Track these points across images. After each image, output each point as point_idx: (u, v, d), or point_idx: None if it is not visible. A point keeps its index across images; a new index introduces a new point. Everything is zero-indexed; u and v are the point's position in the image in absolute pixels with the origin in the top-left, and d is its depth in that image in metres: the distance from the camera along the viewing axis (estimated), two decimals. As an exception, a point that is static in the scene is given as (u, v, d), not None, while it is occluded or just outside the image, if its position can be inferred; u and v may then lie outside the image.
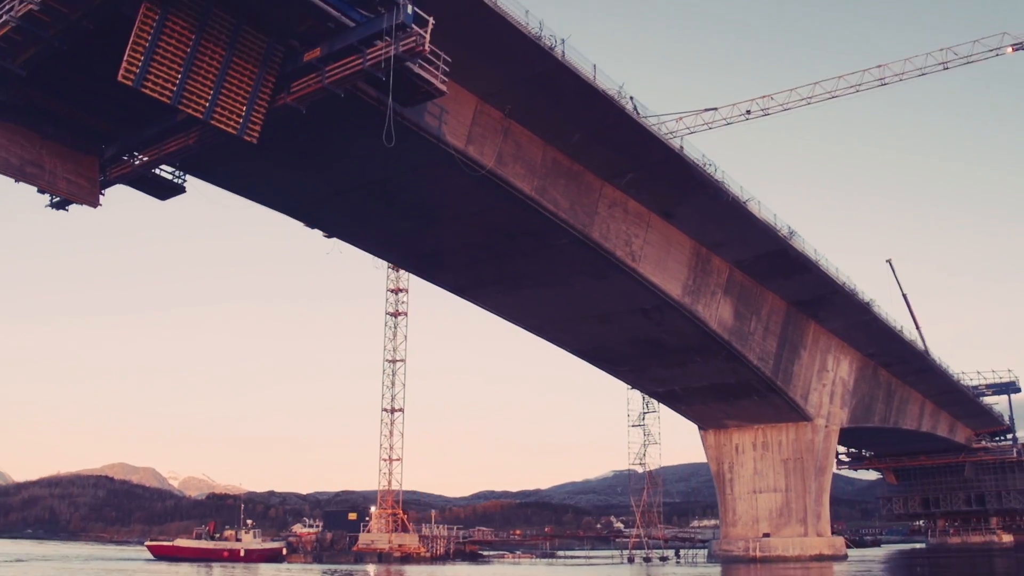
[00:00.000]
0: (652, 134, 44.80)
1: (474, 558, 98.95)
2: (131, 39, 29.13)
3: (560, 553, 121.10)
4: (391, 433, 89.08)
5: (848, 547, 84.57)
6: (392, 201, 45.21)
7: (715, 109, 63.12)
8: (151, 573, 58.35)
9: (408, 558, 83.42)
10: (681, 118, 61.14)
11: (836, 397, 75.74)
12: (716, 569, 68.88)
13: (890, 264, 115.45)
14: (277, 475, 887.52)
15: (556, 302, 57.44)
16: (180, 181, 42.19)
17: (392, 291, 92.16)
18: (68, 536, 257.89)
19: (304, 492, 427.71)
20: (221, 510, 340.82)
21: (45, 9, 28.87)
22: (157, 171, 40.56)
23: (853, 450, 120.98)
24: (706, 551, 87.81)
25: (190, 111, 30.92)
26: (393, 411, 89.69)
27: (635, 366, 68.38)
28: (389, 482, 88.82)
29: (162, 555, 77.44)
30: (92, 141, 37.95)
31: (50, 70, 32.91)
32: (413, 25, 29.97)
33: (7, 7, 29.94)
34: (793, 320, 67.92)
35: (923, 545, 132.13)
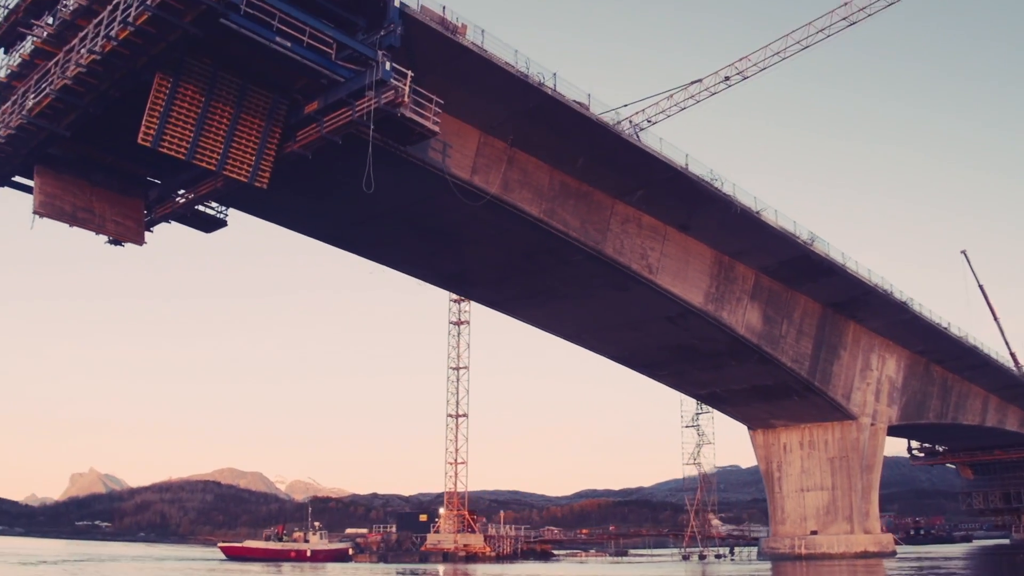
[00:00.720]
0: (653, 155, 47.34)
1: (546, 557, 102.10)
2: (147, 105, 33.41)
3: (631, 551, 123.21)
4: (456, 437, 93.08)
5: (897, 543, 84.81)
6: (414, 226, 48.92)
7: (699, 80, 65.07)
8: (223, 572, 63.17)
9: (473, 557, 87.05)
10: (672, 94, 63.58)
11: (883, 395, 76.46)
12: (763, 566, 70.81)
13: (965, 255, 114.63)
14: (381, 477, 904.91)
15: (584, 313, 60.41)
16: (222, 215, 46.55)
17: (455, 301, 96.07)
18: (178, 539, 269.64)
19: (407, 494, 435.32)
20: (324, 512, 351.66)
21: (78, 82, 33.42)
22: (201, 207, 44.98)
23: (927, 445, 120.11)
24: (756, 549, 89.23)
25: (203, 165, 35.07)
26: (458, 416, 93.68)
27: (673, 370, 70.67)
28: (455, 484, 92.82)
29: (234, 555, 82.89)
30: (137, 185, 42.42)
31: (92, 128, 37.39)
32: (392, 79, 33.53)
33: (49, 81, 34.73)
34: (829, 321, 69.18)
35: (1007, 541, 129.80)
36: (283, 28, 32.44)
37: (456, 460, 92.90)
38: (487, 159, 44.20)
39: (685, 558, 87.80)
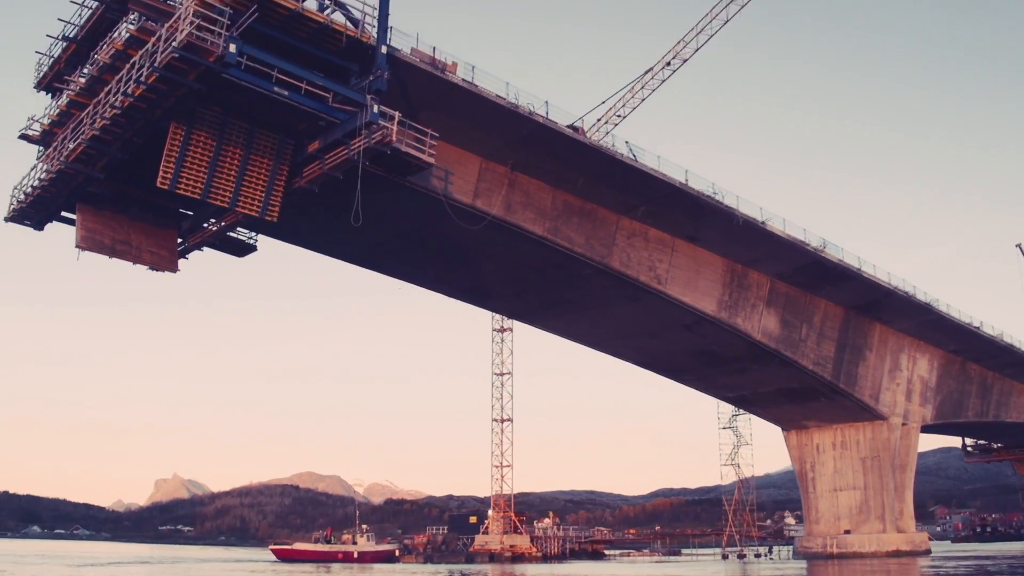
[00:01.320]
0: (649, 173, 49.65)
1: (597, 556, 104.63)
2: (164, 152, 37.09)
3: (684, 551, 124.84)
4: (501, 441, 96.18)
5: (931, 541, 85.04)
6: (428, 247, 52.02)
7: (650, 70, 67.23)
8: (271, 573, 67.08)
9: (520, 558, 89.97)
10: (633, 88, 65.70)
11: (915, 395, 77.14)
12: (799, 565, 72.28)
13: (1020, 248, 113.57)
14: (457, 479, 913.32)
15: (602, 322, 62.81)
16: (252, 241, 50.16)
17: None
18: (257, 543, 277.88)
19: (482, 495, 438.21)
20: (398, 514, 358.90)
21: (105, 132, 37.31)
22: (231, 234, 48.60)
23: (982, 442, 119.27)
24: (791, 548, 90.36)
25: (217, 203, 38.70)
26: (503, 420, 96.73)
27: (699, 375, 72.57)
28: (501, 487, 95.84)
29: (284, 557, 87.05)
30: (170, 218, 46.11)
31: (125, 169, 41.21)
32: (380, 120, 36.65)
33: (81, 131, 38.73)
34: (853, 324, 70.31)
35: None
36: (281, 78, 35.88)
37: (502, 463, 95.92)
38: (489, 183, 47.05)
39: (724, 557, 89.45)
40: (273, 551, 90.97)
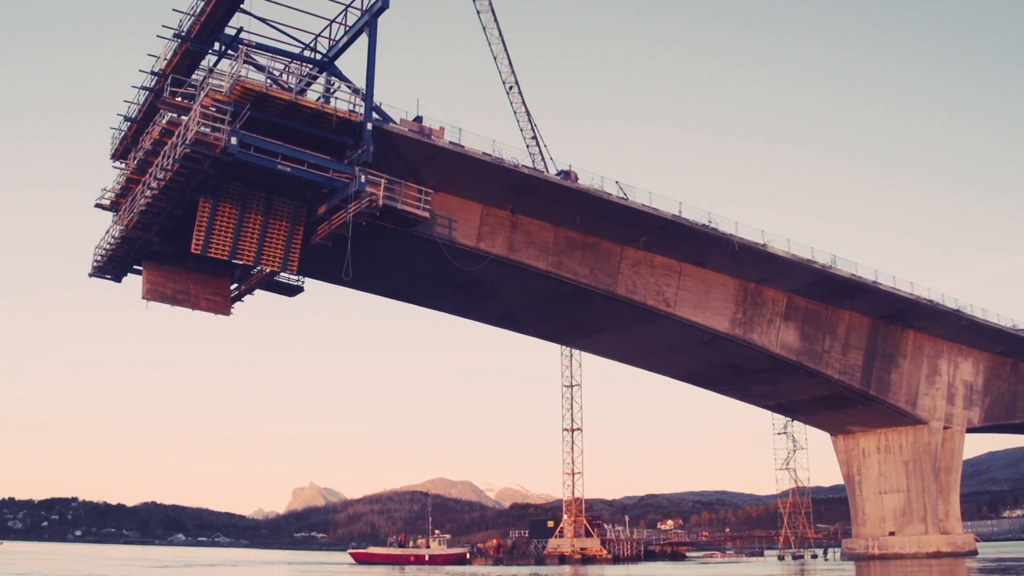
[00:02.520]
0: (639, 210, 54.54)
1: (678, 558, 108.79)
2: (196, 221, 44.51)
3: (767, 552, 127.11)
4: (572, 449, 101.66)
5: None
6: (451, 282, 58.22)
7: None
8: (349, 574, 74.44)
9: (590, 560, 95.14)
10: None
11: (958, 399, 78.74)
12: (845, 566, 75.25)
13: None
14: (589, 482, 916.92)
15: (627, 341, 67.73)
16: (299, 283, 57.33)
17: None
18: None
19: (610, 498, 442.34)
20: (523, 518, 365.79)
21: (149, 207, 45.04)
22: (280, 278, 55.83)
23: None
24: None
25: (242, 262, 45.96)
26: (572, 430, 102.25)
27: (734, 386, 76.40)
28: (572, 493, 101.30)
29: (361, 560, 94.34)
30: (222, 268, 53.64)
31: (179, 230, 48.68)
32: (368, 188, 43.13)
33: (135, 204, 46.64)
34: (882, 333, 72.83)
35: None
36: (286, 156, 42.85)
37: (573, 471, 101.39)
38: (491, 227, 52.96)
39: (781, 558, 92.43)
40: (351, 554, 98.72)
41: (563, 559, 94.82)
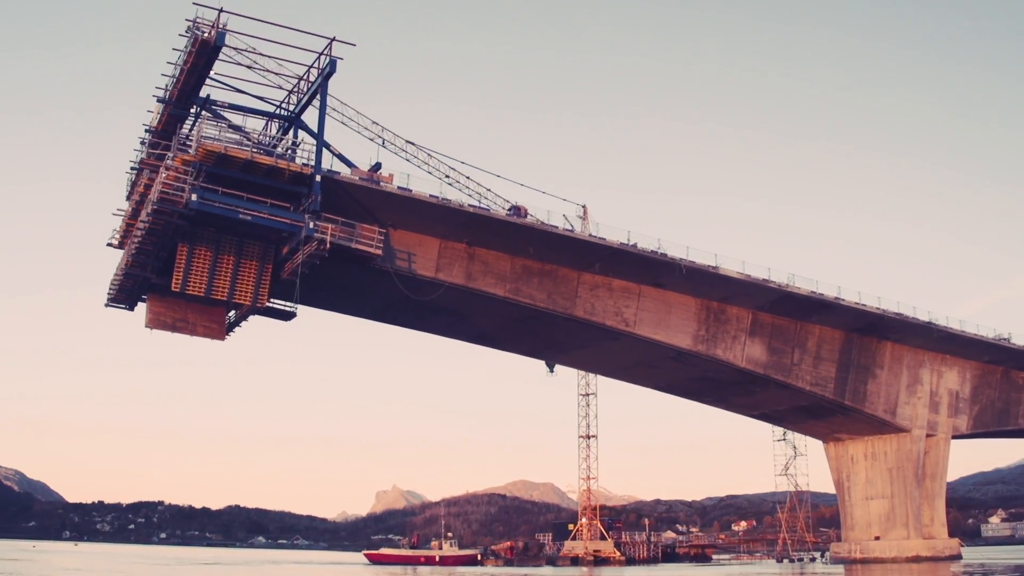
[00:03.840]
0: (586, 241, 59.45)
1: (704, 560, 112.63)
2: (175, 263, 51.19)
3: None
4: (588, 456, 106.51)
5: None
6: (424, 307, 63.77)
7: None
8: (363, 574, 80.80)
9: (604, 562, 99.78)
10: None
11: (942, 407, 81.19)
12: (833, 569, 78.72)
13: None
14: (668, 483, 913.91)
15: (600, 357, 72.47)
16: (292, 309, 63.67)
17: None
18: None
19: (690, 499, 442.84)
20: (601, 519, 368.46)
21: (138, 250, 51.93)
22: (272, 305, 62.23)
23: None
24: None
25: (216, 297, 52.48)
26: (588, 437, 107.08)
27: (714, 397, 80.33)
28: (588, 497, 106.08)
29: (375, 561, 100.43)
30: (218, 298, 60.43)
31: (170, 267, 55.29)
32: (316, 233, 49.20)
33: (127, 251, 53.67)
34: (856, 345, 75.94)
35: None
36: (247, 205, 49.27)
37: (588, 476, 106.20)
38: (448, 259, 58.53)
39: (779, 561, 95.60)
40: (366, 555, 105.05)
41: (575, 561, 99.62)
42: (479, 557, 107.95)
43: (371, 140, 62.09)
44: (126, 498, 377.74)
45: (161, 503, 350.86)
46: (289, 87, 56.10)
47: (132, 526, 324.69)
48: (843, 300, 70.89)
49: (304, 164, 51.10)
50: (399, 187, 54.24)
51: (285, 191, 51.11)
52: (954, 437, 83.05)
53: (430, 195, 54.76)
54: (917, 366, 79.91)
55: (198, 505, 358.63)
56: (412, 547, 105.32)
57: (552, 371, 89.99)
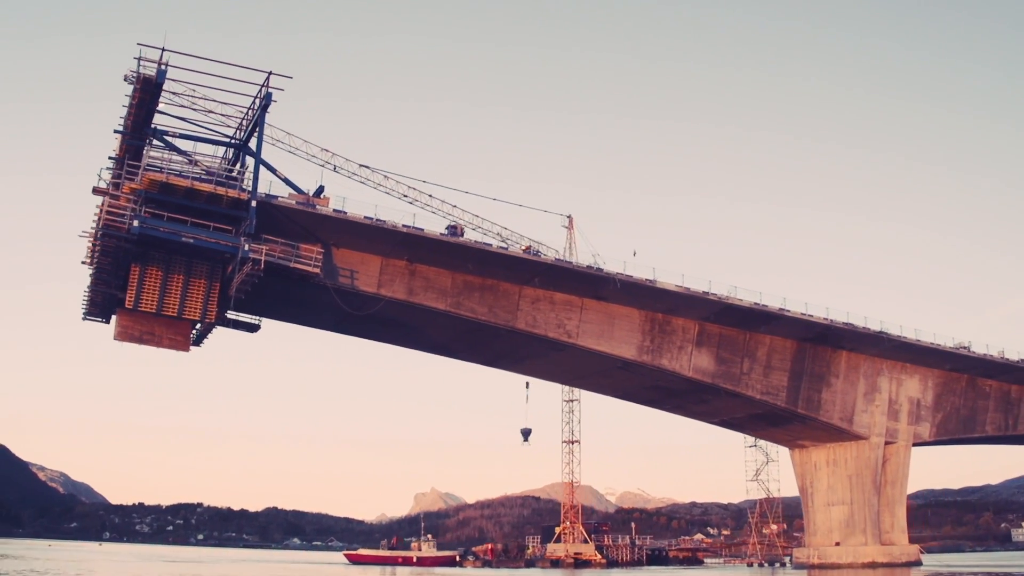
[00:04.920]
0: (519, 257, 62.58)
1: (696, 563, 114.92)
2: (128, 284, 55.30)
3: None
4: (571, 460, 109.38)
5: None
6: (377, 321, 67.44)
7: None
8: (342, 573, 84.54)
9: (585, 564, 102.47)
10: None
11: (902, 415, 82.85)
12: (793, 573, 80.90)
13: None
14: (706, 486, 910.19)
15: (553, 367, 75.48)
16: (256, 322, 67.70)
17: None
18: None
19: (726, 502, 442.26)
20: (627, 523, 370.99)
21: (98, 269, 56.17)
22: (237, 317, 66.20)
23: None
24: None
25: (168, 314, 56.53)
26: (572, 442, 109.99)
27: (672, 404, 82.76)
28: (571, 501, 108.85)
29: (354, 561, 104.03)
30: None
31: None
32: (251, 255, 52.99)
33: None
34: (809, 354, 78.01)
35: None
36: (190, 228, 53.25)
37: (572, 480, 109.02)
38: (390, 275, 62.06)
39: (750, 565, 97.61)
40: (345, 555, 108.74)
41: (555, 563, 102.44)
42: (457, 558, 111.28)
43: (322, 166, 66.46)
44: (166, 500, 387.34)
45: (200, 505, 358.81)
46: (240, 116, 60.06)
47: (170, 527, 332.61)
48: (788, 311, 73.07)
49: (242, 190, 54.93)
50: (335, 209, 57.88)
51: (227, 215, 54.99)
52: (917, 445, 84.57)
53: (365, 216, 58.30)
54: (875, 374, 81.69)
55: (236, 507, 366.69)
56: (391, 548, 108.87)
57: (526, 440, 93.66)
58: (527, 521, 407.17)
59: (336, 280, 60.36)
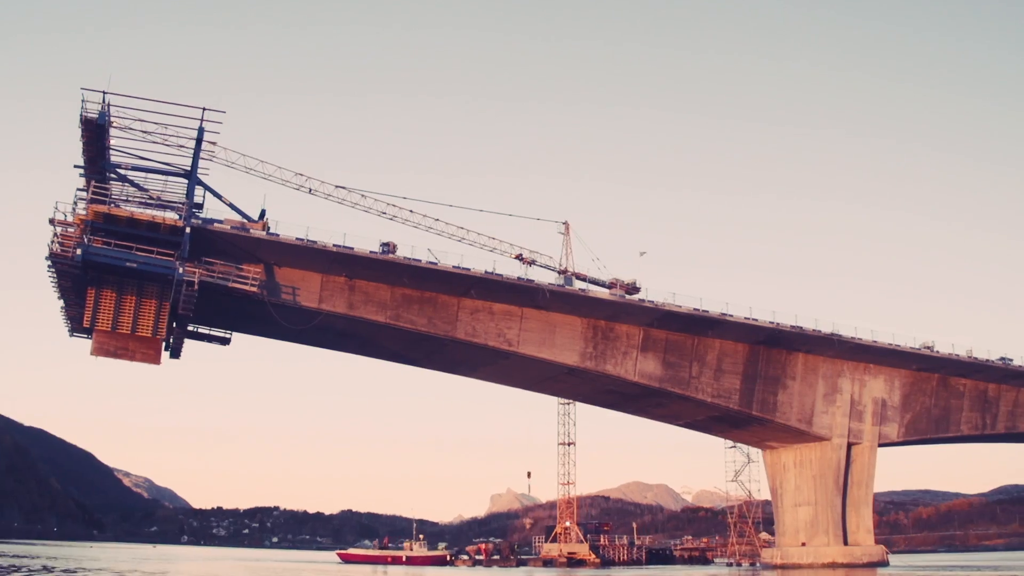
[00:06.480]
0: (448, 271, 66.54)
1: (704, 562, 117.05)
2: (86, 306, 61.18)
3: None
4: (566, 462, 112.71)
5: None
6: (331, 333, 72.21)
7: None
8: (335, 572, 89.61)
9: (579, 564, 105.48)
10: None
11: (867, 416, 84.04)
12: (768, 574, 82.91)
13: None
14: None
15: (506, 373, 79.06)
16: (226, 335, 73.15)
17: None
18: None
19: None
20: (693, 521, 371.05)
21: (61, 293, 62.22)
22: (205, 331, 71.78)
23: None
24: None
25: (121, 331, 62.26)
26: (568, 444, 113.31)
27: (635, 408, 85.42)
28: (567, 502, 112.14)
29: (346, 560, 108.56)
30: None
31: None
32: (186, 278, 58.30)
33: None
34: (763, 357, 80.00)
35: None
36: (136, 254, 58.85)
37: (567, 481, 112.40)
38: (330, 291, 66.75)
39: (729, 565, 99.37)
40: (338, 555, 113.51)
41: (547, 563, 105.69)
42: (449, 558, 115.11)
43: (297, 189, 71.17)
44: (243, 503, 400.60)
45: (276, 508, 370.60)
46: (190, 148, 65.46)
47: (247, 531, 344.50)
48: (730, 316, 75.31)
49: (177, 218, 60.33)
50: (268, 232, 62.83)
51: (168, 241, 60.42)
52: (884, 445, 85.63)
53: (296, 238, 63.14)
54: (835, 376, 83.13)
55: (312, 510, 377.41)
56: (383, 547, 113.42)
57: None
58: (592, 520, 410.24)
59: (279, 296, 65.31)
